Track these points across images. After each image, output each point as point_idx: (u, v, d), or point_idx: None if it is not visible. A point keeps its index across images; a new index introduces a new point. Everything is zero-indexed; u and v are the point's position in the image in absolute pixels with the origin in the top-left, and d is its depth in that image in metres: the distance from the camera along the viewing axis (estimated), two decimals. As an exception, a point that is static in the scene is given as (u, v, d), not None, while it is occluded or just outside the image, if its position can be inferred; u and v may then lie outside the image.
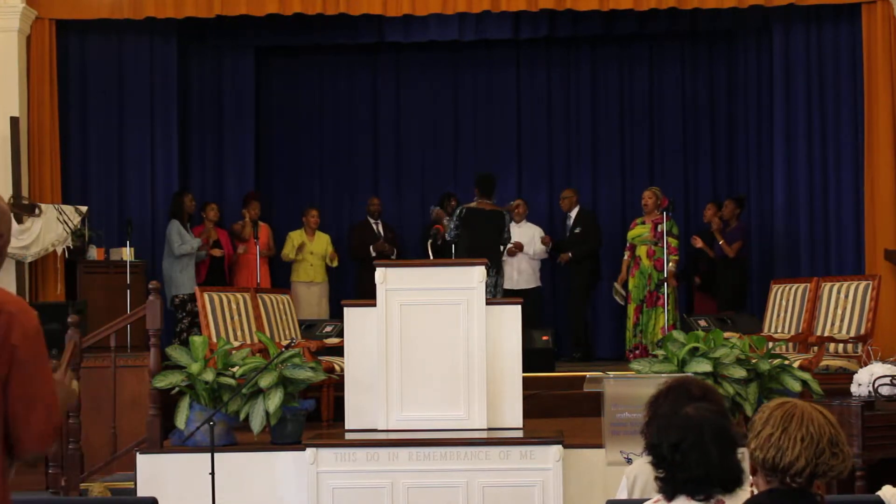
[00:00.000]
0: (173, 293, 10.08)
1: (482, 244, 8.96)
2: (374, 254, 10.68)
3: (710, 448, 2.88)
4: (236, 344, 7.53)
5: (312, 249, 10.89)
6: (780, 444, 2.69)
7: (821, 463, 2.69)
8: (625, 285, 10.36)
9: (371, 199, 11.35)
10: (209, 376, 6.46)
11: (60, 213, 9.51)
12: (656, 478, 3.02)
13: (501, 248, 9.36)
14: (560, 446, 6.15)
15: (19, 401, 2.69)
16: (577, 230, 10.90)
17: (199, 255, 10.34)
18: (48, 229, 9.42)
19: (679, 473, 2.93)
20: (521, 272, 10.90)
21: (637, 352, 9.79)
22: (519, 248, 10.74)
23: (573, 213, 11.02)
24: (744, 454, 2.90)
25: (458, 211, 9.29)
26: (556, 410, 7.77)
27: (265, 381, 6.39)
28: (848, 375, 6.82)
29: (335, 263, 11.02)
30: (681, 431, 2.94)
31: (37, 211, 9.40)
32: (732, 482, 2.92)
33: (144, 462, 6.53)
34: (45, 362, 2.74)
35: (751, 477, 2.83)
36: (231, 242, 10.77)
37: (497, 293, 9.04)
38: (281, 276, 11.02)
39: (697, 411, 2.99)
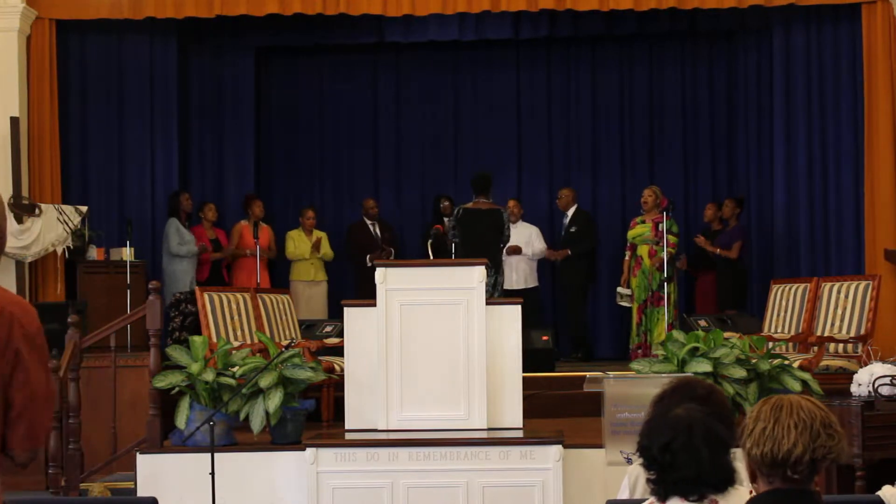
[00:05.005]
0: (174, 290, 10.05)
1: (480, 243, 8.95)
2: (369, 264, 10.58)
3: (700, 448, 2.86)
4: (236, 344, 7.53)
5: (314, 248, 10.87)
6: (774, 434, 2.68)
7: (818, 446, 2.67)
8: (628, 285, 10.33)
9: (366, 201, 11.32)
10: (209, 376, 6.46)
11: (60, 213, 9.50)
12: (648, 479, 3.01)
13: (501, 246, 9.35)
14: (560, 446, 6.15)
15: (21, 399, 2.74)
16: (572, 229, 10.91)
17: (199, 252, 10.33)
18: (48, 229, 9.41)
19: (670, 474, 2.91)
20: (518, 272, 10.88)
21: (640, 351, 9.77)
22: (516, 251, 10.71)
23: (570, 213, 11.03)
24: (735, 454, 2.89)
25: (455, 212, 9.34)
26: (556, 410, 7.75)
27: (265, 381, 6.39)
28: (848, 375, 6.82)
29: (329, 258, 10.97)
30: (670, 432, 2.91)
31: (37, 211, 9.39)
32: (724, 482, 2.90)
33: (144, 462, 6.53)
34: (45, 363, 2.81)
35: (751, 484, 2.82)
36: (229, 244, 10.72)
37: (496, 293, 9.02)
38: (280, 276, 11.00)
39: (687, 412, 2.95)
